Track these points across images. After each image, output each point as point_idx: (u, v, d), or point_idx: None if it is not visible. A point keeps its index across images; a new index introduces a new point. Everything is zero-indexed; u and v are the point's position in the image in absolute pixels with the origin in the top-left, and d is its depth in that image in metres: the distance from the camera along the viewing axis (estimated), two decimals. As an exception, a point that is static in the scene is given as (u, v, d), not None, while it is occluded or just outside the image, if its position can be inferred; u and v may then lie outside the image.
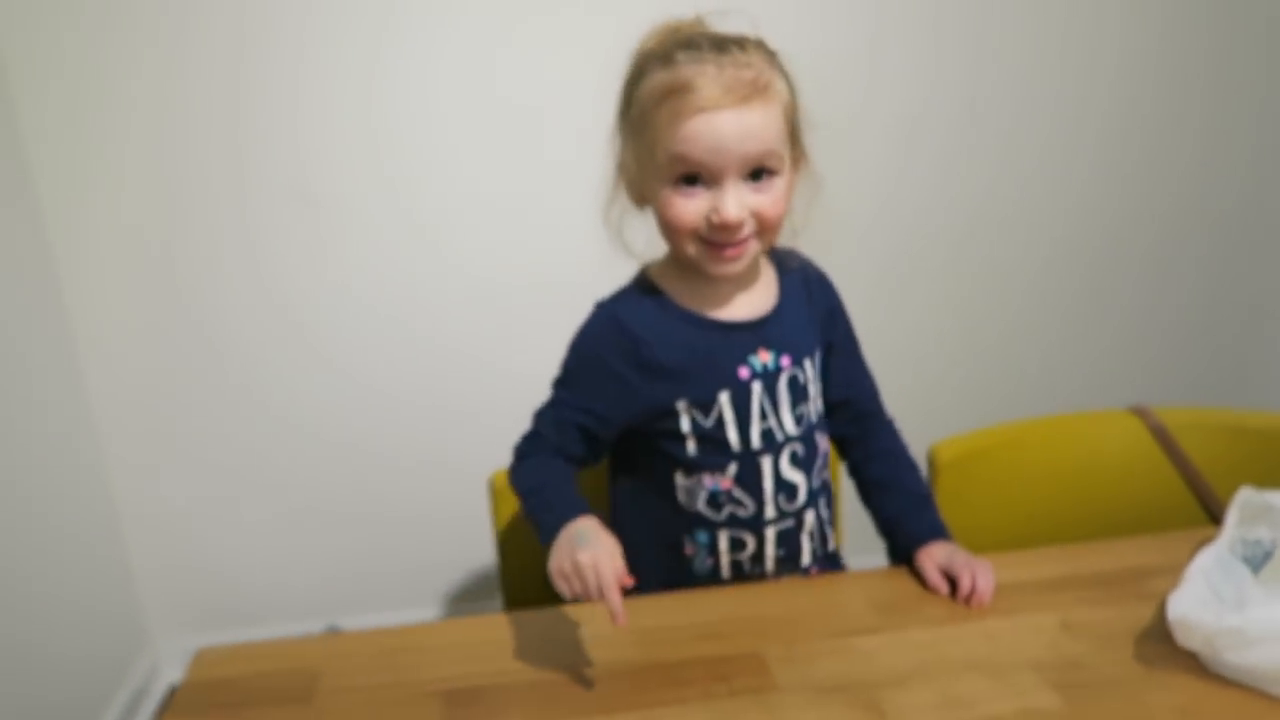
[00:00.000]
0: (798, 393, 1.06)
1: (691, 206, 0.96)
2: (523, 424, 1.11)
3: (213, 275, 1.97)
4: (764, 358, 1.04)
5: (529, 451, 1.08)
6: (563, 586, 0.89)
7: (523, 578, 1.29)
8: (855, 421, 1.17)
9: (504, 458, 1.12)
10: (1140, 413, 1.33)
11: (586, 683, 0.92)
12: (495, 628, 1.03)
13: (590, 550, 0.88)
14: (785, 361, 1.05)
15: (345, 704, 0.93)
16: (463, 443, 2.12)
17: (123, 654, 2.08)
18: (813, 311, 1.10)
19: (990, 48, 2.04)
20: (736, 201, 0.95)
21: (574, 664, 0.95)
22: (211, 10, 1.80)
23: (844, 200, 1.92)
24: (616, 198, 1.04)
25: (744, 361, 1.03)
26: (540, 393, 1.11)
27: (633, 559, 0.92)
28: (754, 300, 1.06)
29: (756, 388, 1.03)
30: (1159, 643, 0.92)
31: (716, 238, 0.97)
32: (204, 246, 1.95)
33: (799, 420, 1.06)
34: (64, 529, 1.88)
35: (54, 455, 1.86)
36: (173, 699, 0.96)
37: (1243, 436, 1.30)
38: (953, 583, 1.02)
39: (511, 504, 1.25)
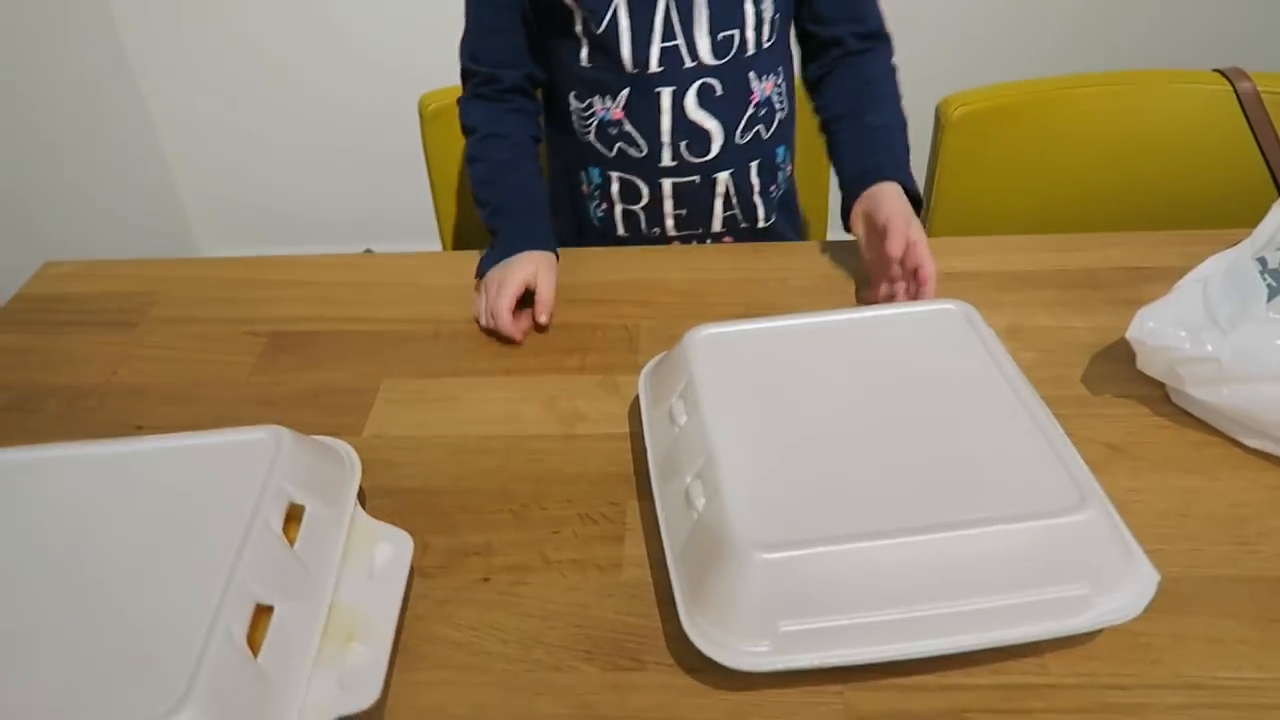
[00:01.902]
0: (724, 7, 0.81)
1: None
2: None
3: None
4: None
5: (474, 119, 0.91)
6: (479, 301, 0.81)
7: (464, 211, 1.15)
8: (841, 55, 0.90)
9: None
10: (1231, 75, 1.02)
11: (418, 340, 0.80)
12: (347, 269, 0.92)
13: (500, 272, 0.80)
14: None
15: (166, 334, 0.84)
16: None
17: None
18: None
19: None
20: None
21: (413, 317, 0.83)
22: None
23: None
24: None
25: None
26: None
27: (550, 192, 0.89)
28: None
29: None
30: (1119, 363, 0.72)
31: None
32: None
33: (721, 47, 0.82)
34: (106, 148, 1.87)
35: (84, 69, 1.80)
36: (3, 308, 0.89)
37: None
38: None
39: (447, 135, 1.07)
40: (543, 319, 0.79)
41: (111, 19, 1.91)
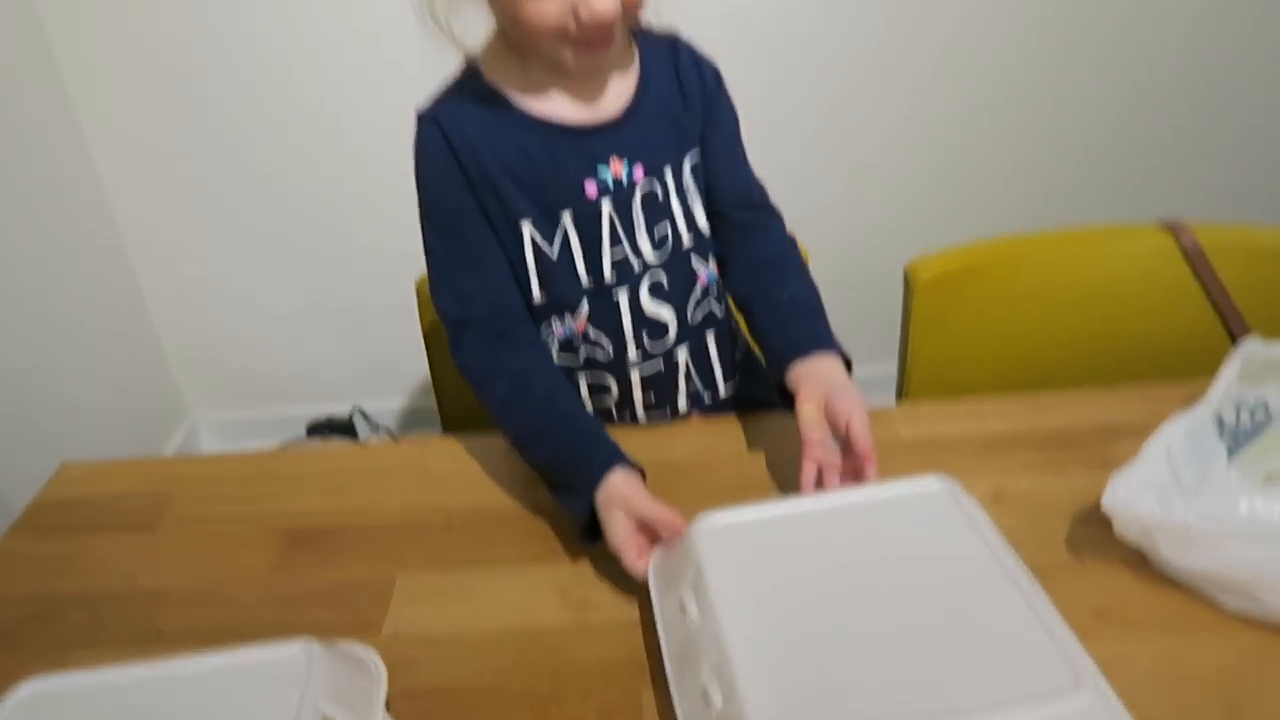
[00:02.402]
0: (655, 210, 0.87)
1: (552, 4, 0.74)
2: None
3: (224, 57, 1.85)
4: (616, 170, 0.84)
5: (484, 369, 0.86)
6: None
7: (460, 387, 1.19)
8: (732, 237, 0.94)
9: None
10: (1173, 228, 1.09)
11: (430, 530, 0.84)
12: (355, 458, 0.96)
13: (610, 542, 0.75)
14: (639, 173, 0.86)
15: (187, 534, 0.87)
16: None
17: (160, 430, 2.14)
18: (686, 104, 0.88)
19: None
20: None
21: (423, 505, 0.87)
22: None
23: None
24: None
25: (591, 174, 0.84)
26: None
27: None
28: (609, 97, 0.85)
29: (606, 207, 0.85)
30: (1099, 526, 0.76)
31: (586, 35, 0.76)
32: (218, 27, 1.81)
33: (659, 244, 0.88)
34: (93, 312, 1.90)
35: (73, 239, 1.86)
36: (23, 515, 0.92)
37: (1296, 264, 1.06)
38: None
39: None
40: (674, 535, 0.73)
41: (105, 201, 1.98)
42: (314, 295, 2.16)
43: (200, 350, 2.23)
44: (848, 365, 0.85)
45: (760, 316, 0.91)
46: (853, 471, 0.77)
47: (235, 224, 2.06)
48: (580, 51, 0.77)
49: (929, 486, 0.72)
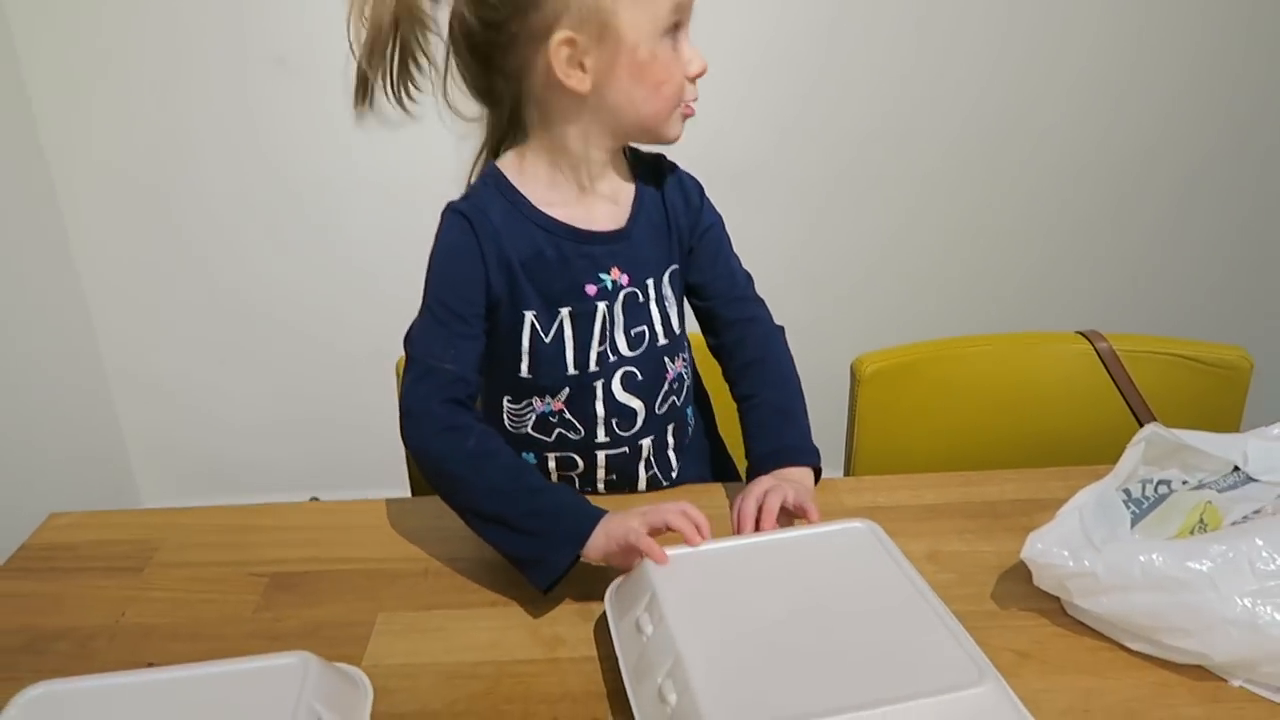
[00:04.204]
0: (636, 312, 0.96)
1: (696, 57, 0.88)
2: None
3: (201, 156, 1.97)
4: (615, 275, 0.94)
5: (450, 420, 0.89)
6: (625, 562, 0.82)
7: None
8: (725, 330, 1.04)
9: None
10: (1090, 336, 1.22)
11: (408, 576, 0.90)
12: (332, 514, 1.02)
13: (621, 525, 0.82)
14: (625, 279, 0.95)
15: (173, 577, 0.92)
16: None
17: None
18: (671, 224, 0.99)
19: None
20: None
21: (401, 556, 0.93)
22: None
23: (782, 101, 1.82)
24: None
25: (594, 278, 0.94)
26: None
27: None
28: (616, 208, 0.96)
29: (601, 307, 0.94)
30: (1021, 581, 0.84)
31: (688, 94, 0.89)
32: (196, 126, 1.94)
33: (636, 341, 0.97)
34: (58, 395, 1.95)
35: (47, 325, 1.93)
36: (11, 558, 0.95)
37: (1198, 370, 1.18)
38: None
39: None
40: (701, 538, 0.80)
41: (82, 293, 2.05)
42: (278, 390, 2.21)
43: (159, 440, 2.25)
44: (818, 470, 0.96)
45: (746, 417, 1.01)
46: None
47: (204, 319, 2.12)
48: (683, 118, 0.90)
49: (854, 526, 0.82)
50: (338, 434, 2.27)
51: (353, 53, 0.86)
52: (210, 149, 1.97)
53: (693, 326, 1.06)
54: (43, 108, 1.91)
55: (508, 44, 0.86)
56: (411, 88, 0.89)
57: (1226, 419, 1.20)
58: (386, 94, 0.88)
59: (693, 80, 0.89)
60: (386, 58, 0.86)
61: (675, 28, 0.86)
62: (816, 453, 0.96)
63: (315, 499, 2.25)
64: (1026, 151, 2.05)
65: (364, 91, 0.88)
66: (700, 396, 1.12)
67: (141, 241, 2.04)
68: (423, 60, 0.88)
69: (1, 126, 1.82)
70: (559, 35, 0.83)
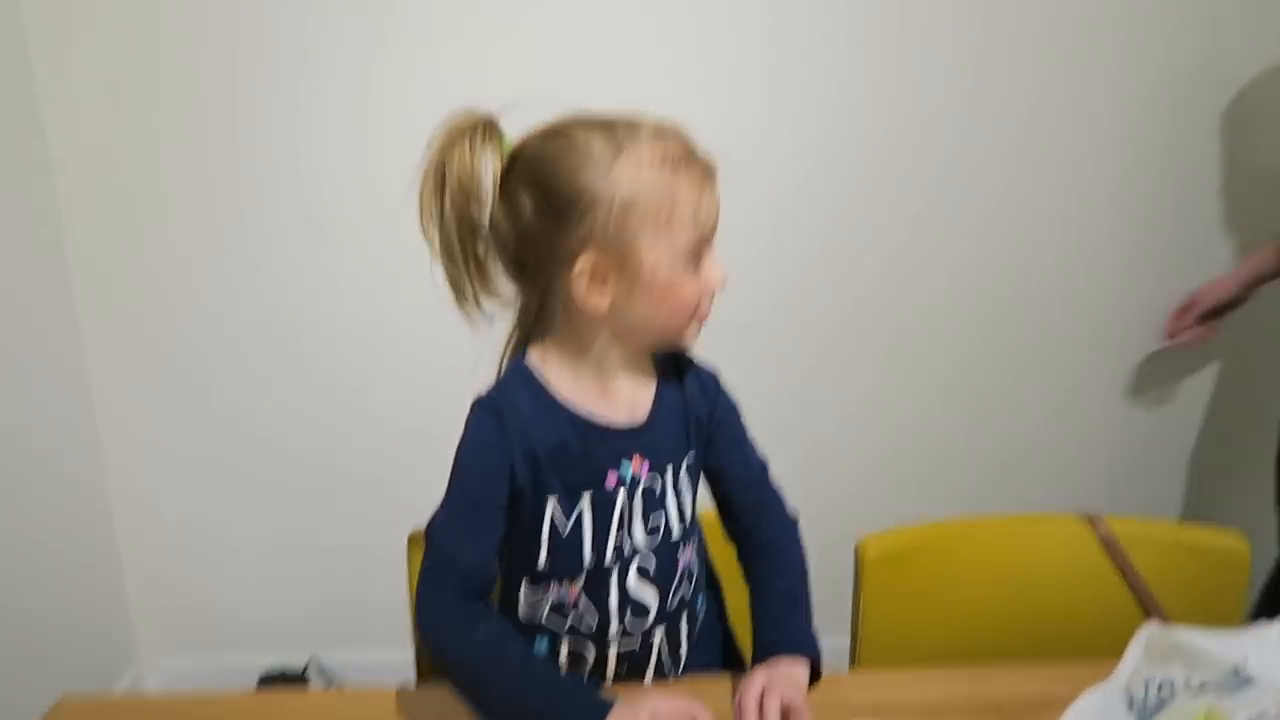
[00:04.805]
0: (652, 502, 0.99)
1: (717, 272, 0.94)
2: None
3: (218, 299, 2.03)
4: (636, 466, 0.98)
5: (451, 611, 0.93)
6: None
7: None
8: (740, 515, 1.08)
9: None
10: (1090, 520, 1.24)
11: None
12: (349, 702, 1.03)
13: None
14: (645, 467, 0.98)
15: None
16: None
17: (110, 668, 2.13)
18: (688, 414, 1.03)
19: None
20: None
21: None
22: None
23: (783, 277, 1.87)
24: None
25: (615, 467, 0.97)
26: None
27: None
28: (637, 401, 1.00)
29: (621, 497, 0.97)
30: (1026, 789, 0.85)
31: (705, 306, 0.95)
32: (210, 272, 2.00)
33: (652, 532, 0.99)
34: (62, 541, 1.95)
35: (58, 468, 1.94)
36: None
37: (1197, 555, 1.20)
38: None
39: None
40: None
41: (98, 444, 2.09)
42: (284, 543, 2.21)
43: (161, 591, 2.23)
44: (816, 663, 0.97)
45: (753, 602, 1.04)
46: None
47: (217, 466, 2.14)
48: (699, 324, 0.96)
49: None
50: (340, 588, 2.25)
51: (435, 259, 0.93)
52: (215, 292, 2.02)
53: (707, 506, 1.10)
54: (76, 252, 1.97)
55: (536, 261, 0.93)
56: (490, 283, 0.96)
57: (1230, 601, 1.21)
58: (468, 295, 0.95)
59: (712, 295, 0.95)
60: (461, 261, 0.94)
61: (698, 253, 0.92)
62: (815, 643, 0.98)
63: (316, 661, 2.23)
64: (1034, 331, 2.10)
65: (461, 292, 0.95)
66: (711, 580, 1.14)
67: (164, 383, 2.07)
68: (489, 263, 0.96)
69: (38, 291, 1.89)
70: (583, 261, 0.90)
